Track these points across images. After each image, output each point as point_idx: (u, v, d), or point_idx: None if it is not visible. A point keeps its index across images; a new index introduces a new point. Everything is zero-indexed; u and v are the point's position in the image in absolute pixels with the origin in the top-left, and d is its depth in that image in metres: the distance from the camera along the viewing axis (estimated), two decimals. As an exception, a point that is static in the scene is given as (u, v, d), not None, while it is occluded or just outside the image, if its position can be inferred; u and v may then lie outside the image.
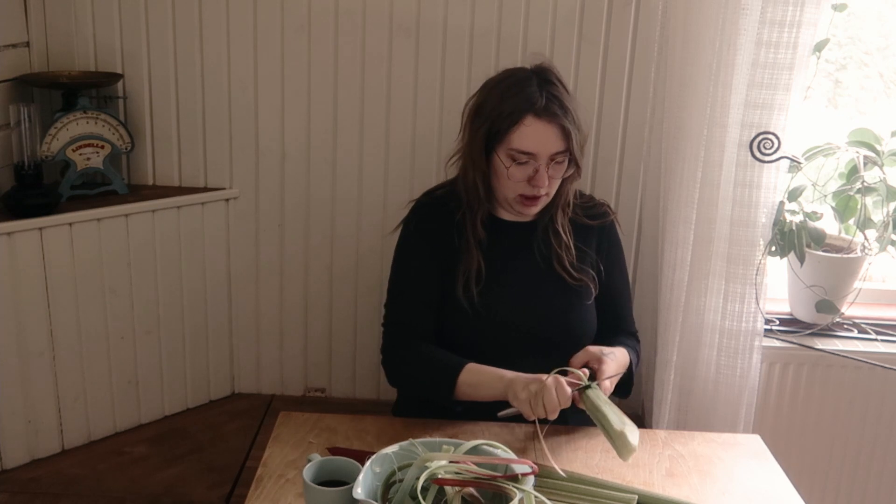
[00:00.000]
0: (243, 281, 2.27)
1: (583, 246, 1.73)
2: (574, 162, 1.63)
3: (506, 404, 1.52)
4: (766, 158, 1.87)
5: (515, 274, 1.69)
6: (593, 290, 1.72)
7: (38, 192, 1.91)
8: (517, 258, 1.71)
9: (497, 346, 1.67)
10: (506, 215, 1.72)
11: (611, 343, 1.69)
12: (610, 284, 1.76)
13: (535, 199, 1.64)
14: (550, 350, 1.66)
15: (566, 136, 1.59)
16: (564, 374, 1.50)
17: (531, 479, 1.19)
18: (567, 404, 1.46)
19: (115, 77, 2.08)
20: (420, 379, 1.65)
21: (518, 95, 1.60)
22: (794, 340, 2.08)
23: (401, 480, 1.19)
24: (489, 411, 1.60)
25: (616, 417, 1.44)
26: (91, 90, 2.05)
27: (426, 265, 1.69)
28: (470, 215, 1.68)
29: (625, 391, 1.70)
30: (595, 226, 1.76)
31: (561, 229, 1.71)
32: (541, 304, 1.68)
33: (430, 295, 1.68)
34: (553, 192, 1.66)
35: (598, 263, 1.74)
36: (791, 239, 1.98)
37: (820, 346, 2.07)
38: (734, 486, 1.46)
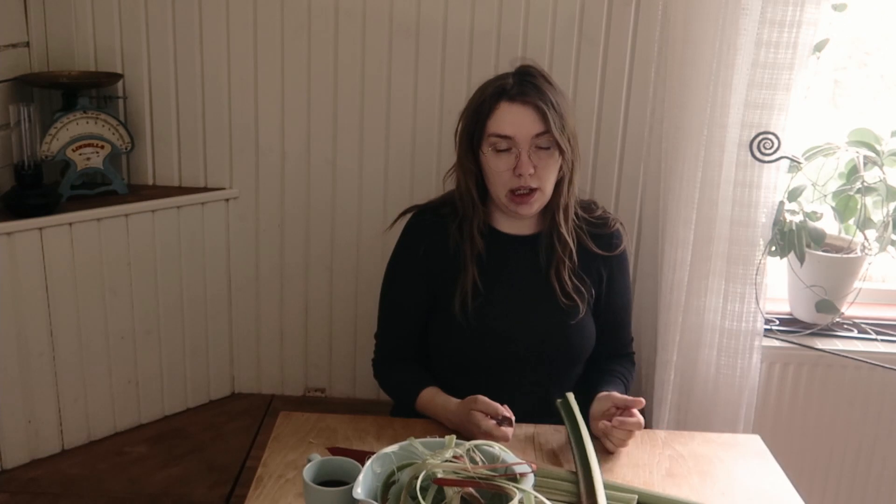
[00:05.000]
0: (243, 281, 2.27)
1: (586, 267, 1.69)
2: (559, 147, 1.58)
3: None
4: (766, 158, 1.87)
5: (513, 289, 1.67)
6: (590, 304, 1.70)
7: (38, 192, 1.91)
8: (515, 272, 1.68)
9: (493, 359, 1.66)
10: (505, 227, 1.70)
11: (606, 368, 1.73)
12: (611, 305, 1.74)
13: (526, 195, 1.60)
14: (548, 363, 1.68)
15: (543, 116, 1.56)
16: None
17: (531, 478, 1.19)
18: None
19: (115, 77, 2.08)
20: (393, 396, 1.81)
21: (492, 87, 1.61)
22: (794, 340, 2.08)
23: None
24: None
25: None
26: (91, 90, 2.05)
27: (414, 286, 1.70)
28: (467, 226, 1.65)
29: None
30: (601, 255, 1.70)
31: (568, 236, 1.65)
32: (538, 319, 1.66)
33: (415, 316, 1.72)
34: (546, 186, 1.61)
35: (601, 288, 1.71)
36: (791, 239, 1.98)
37: (820, 346, 2.07)
38: (734, 486, 1.45)
